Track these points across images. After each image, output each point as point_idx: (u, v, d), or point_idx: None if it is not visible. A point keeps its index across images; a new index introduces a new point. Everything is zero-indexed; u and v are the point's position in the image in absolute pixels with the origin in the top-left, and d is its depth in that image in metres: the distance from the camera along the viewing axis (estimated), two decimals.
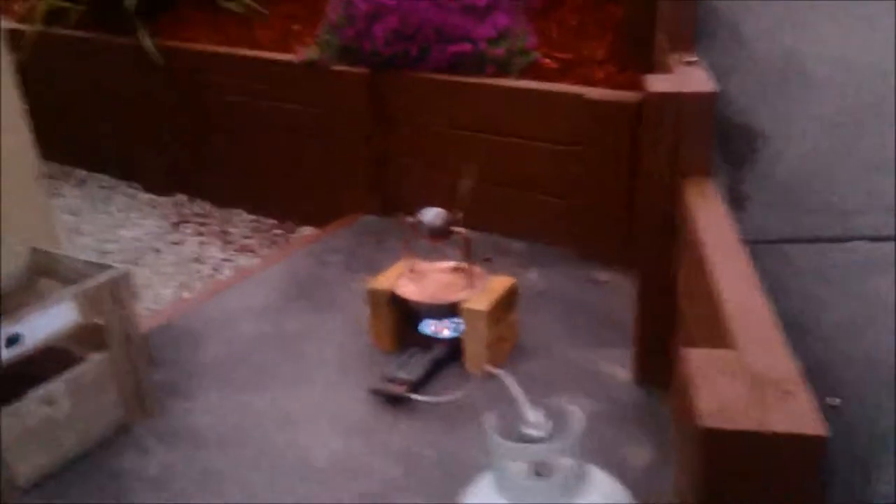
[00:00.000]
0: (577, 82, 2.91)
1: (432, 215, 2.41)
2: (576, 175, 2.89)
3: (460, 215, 2.41)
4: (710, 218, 1.72)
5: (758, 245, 1.71)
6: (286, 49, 3.68)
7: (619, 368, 2.35)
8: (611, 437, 2.05)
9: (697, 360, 1.23)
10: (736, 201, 1.86)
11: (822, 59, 2.09)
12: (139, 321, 2.23)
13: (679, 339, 2.04)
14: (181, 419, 2.25)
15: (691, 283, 1.75)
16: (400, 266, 2.56)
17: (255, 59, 3.70)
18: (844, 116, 2.00)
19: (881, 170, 1.89)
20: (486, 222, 2.72)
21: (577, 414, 1.48)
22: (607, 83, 2.86)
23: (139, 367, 2.20)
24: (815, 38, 2.11)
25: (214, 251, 3.69)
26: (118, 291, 2.10)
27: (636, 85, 2.80)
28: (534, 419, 1.45)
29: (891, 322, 1.48)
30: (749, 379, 1.20)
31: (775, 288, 1.52)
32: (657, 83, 1.90)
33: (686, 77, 1.94)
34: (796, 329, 1.39)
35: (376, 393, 2.28)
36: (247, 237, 3.80)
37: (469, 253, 2.43)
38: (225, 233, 3.86)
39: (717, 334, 1.43)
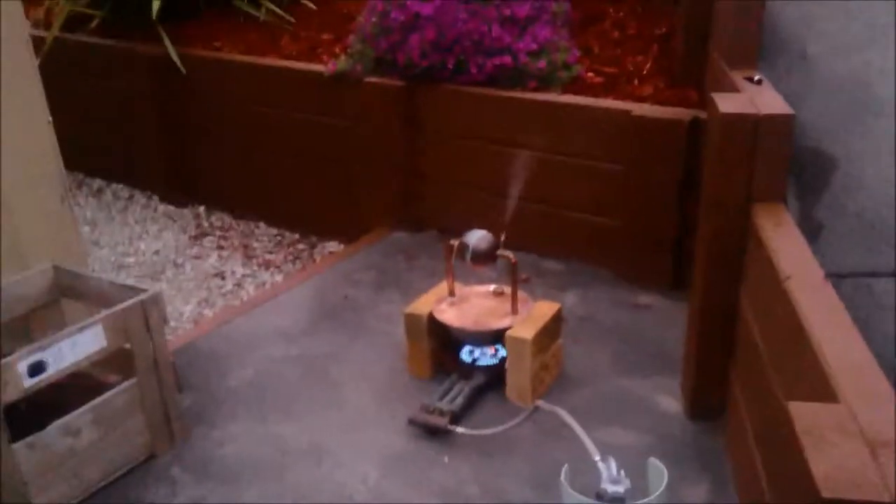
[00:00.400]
0: (622, 98, 2.80)
1: (477, 238, 2.27)
2: (620, 194, 2.77)
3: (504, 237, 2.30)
4: (789, 248, 1.60)
5: (836, 278, 1.59)
6: (313, 59, 3.58)
7: (668, 399, 2.23)
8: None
9: (806, 416, 1.11)
10: (809, 230, 1.74)
11: None
12: (167, 345, 2.12)
13: (738, 373, 1.93)
14: (209, 449, 2.14)
15: (769, 316, 1.63)
16: (439, 289, 2.44)
17: (280, 68, 3.61)
18: None
19: None
20: (522, 241, 2.60)
21: (658, 467, 1.36)
22: (655, 99, 2.74)
23: (167, 394, 2.09)
24: (889, 58, 1.99)
25: (236, 266, 3.57)
26: (148, 315, 1.99)
27: (685, 101, 2.69)
28: (612, 474, 1.33)
29: None
30: (864, 439, 1.09)
31: (856, 325, 1.41)
32: (726, 103, 1.78)
33: (757, 97, 1.82)
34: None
35: (415, 423, 2.16)
36: (269, 252, 3.69)
37: (515, 278, 2.31)
38: (246, 247, 3.74)
39: (810, 377, 1.31)
